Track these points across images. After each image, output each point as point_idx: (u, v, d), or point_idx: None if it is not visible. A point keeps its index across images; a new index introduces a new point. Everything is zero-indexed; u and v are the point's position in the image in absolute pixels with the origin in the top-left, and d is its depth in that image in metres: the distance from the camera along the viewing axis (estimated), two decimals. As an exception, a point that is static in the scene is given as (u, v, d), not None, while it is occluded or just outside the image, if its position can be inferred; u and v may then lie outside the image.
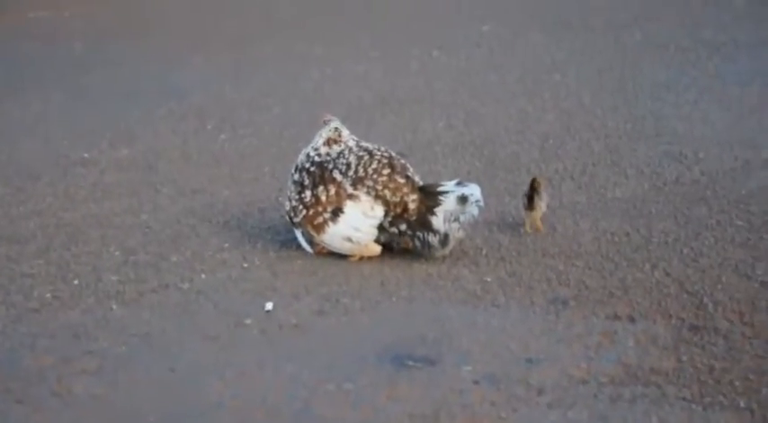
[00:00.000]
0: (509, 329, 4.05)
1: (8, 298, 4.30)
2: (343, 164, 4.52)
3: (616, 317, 4.12)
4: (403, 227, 4.50)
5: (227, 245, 4.81)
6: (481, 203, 4.51)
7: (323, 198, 4.49)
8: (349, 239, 4.50)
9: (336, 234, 4.50)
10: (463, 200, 4.47)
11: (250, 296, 4.35)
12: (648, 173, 5.60)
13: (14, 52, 8.19)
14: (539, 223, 4.89)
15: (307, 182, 4.55)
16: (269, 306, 4.25)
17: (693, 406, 3.52)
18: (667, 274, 4.44)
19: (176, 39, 8.71)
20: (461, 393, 3.64)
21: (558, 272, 4.50)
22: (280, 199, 5.30)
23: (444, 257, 4.59)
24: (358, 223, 4.47)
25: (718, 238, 4.76)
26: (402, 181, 4.49)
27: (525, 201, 4.85)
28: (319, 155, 4.58)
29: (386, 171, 4.50)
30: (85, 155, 5.90)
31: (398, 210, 4.48)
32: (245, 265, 4.62)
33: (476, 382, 3.70)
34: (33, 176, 5.58)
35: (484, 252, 4.72)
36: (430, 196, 4.51)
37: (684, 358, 3.80)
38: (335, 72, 7.49)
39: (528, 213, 4.87)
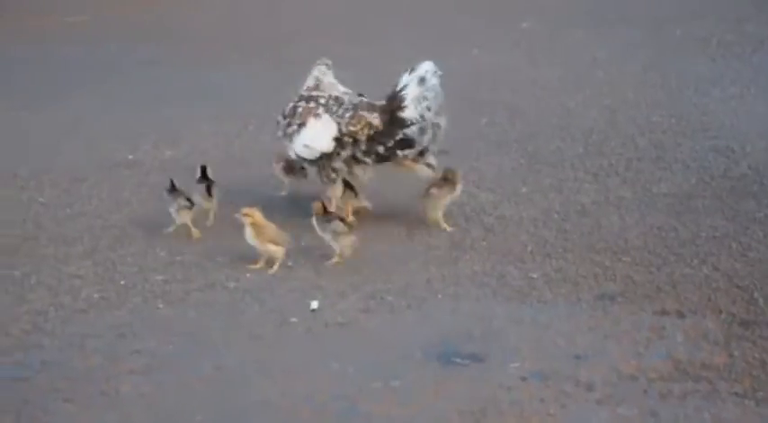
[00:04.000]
0: (556, 326, 4.02)
1: (56, 299, 4.32)
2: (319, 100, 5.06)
3: (664, 312, 4.07)
4: (380, 149, 4.93)
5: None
6: (439, 72, 4.92)
7: (297, 111, 5.04)
8: (307, 146, 4.95)
9: (299, 142, 4.98)
10: (422, 80, 4.93)
11: (295, 295, 4.35)
12: (695, 167, 5.54)
13: (54, 56, 8.24)
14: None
15: (289, 107, 5.12)
16: (314, 304, 4.25)
17: (746, 401, 3.48)
18: (716, 269, 4.39)
19: (213, 40, 8.73)
20: (509, 390, 3.61)
21: (605, 267, 4.47)
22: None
23: (488, 253, 4.56)
24: (315, 134, 4.96)
25: (766, 231, 4.70)
26: (362, 113, 4.96)
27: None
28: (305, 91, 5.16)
29: (349, 113, 4.98)
30: (130, 156, 5.93)
31: (364, 130, 4.93)
32: (290, 263, 4.62)
33: (523, 379, 3.68)
34: (79, 179, 5.61)
35: (529, 249, 4.69)
36: (391, 99, 4.95)
37: (736, 353, 3.76)
38: (374, 72, 7.47)
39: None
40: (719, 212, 4.95)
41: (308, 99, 5.09)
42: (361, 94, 5.10)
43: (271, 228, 4.59)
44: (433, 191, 4.92)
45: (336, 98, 5.07)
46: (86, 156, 5.94)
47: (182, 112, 6.68)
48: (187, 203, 4.83)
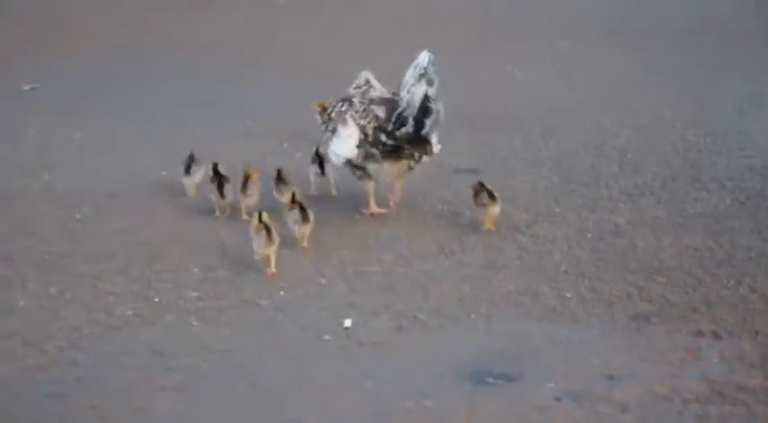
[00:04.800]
0: (590, 346, 4.00)
1: (91, 316, 4.35)
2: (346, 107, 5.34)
3: (700, 333, 4.05)
4: (383, 137, 5.17)
5: (304, 261, 4.82)
6: (433, 59, 5.12)
7: (332, 116, 5.38)
8: (336, 154, 5.30)
9: (331, 149, 5.32)
10: (416, 67, 5.14)
11: (329, 313, 4.35)
12: (731, 187, 5.51)
13: (94, 73, 8.31)
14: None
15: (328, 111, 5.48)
16: (347, 323, 4.26)
17: (782, 425, 3.44)
18: (752, 290, 4.36)
19: (248, 56, 8.77)
20: (543, 410, 3.60)
21: (640, 288, 4.44)
22: (356, 215, 5.32)
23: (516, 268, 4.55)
24: (341, 143, 5.27)
25: (804, 252, 4.66)
26: (372, 107, 5.24)
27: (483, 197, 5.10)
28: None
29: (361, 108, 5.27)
30: (164, 173, 5.96)
31: (371, 123, 5.21)
32: (323, 281, 4.63)
33: (557, 399, 3.66)
34: (114, 195, 5.65)
35: (563, 268, 4.67)
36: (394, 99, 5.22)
37: (772, 376, 3.72)
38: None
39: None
40: (755, 232, 4.92)
41: (344, 100, 5.37)
42: (394, 94, 5.27)
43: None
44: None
45: (366, 97, 5.32)
46: (122, 172, 5.98)
47: (216, 128, 6.71)
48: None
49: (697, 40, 8.74)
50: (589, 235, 5.00)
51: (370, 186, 5.34)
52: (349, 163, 5.28)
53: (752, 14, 9.60)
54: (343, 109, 5.31)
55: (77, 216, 5.39)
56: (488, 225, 5.09)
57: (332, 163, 5.42)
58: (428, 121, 5.15)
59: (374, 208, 5.37)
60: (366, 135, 5.21)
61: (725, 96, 7.11)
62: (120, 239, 5.09)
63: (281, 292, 4.53)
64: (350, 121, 5.25)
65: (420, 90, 5.13)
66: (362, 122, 5.23)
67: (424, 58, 5.16)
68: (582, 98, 7.30)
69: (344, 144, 5.24)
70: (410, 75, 5.17)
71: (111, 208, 5.49)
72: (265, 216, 4.74)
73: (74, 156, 6.29)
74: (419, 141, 5.17)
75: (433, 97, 5.13)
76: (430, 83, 5.13)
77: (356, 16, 10.15)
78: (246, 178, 5.31)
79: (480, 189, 5.10)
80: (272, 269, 4.71)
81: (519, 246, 4.93)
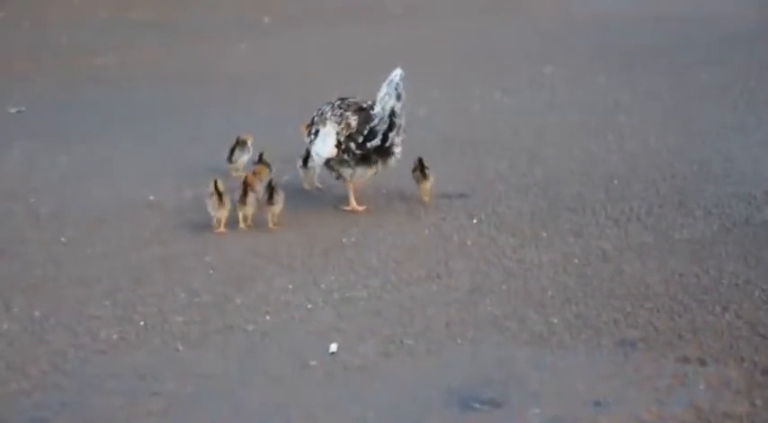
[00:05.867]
0: (576, 372, 3.99)
1: (76, 340, 4.33)
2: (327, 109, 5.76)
3: (686, 360, 4.04)
4: (353, 145, 5.55)
5: (291, 286, 4.81)
6: (403, 75, 5.51)
7: (314, 120, 5.79)
8: (317, 154, 5.65)
9: (313, 150, 5.71)
10: (390, 83, 5.53)
11: (315, 338, 4.34)
12: (717, 214, 5.52)
13: (82, 97, 8.31)
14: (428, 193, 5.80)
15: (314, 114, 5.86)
16: (333, 347, 4.24)
17: (769, 451, 3.44)
18: (738, 317, 4.36)
19: (240, 83, 8.79)
20: (529, 437, 3.58)
21: (626, 313, 4.44)
22: (343, 239, 5.31)
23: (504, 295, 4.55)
24: (321, 144, 5.64)
25: (789, 279, 4.67)
26: (347, 113, 5.61)
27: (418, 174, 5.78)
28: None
29: (338, 112, 5.65)
30: (151, 197, 5.95)
31: (344, 131, 5.57)
32: (310, 306, 4.62)
33: (544, 426, 3.65)
34: (100, 219, 5.63)
35: (549, 293, 4.67)
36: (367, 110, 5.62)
37: (758, 402, 3.72)
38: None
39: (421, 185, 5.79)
40: (742, 259, 4.93)
41: (327, 103, 5.77)
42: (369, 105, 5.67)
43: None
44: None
45: (345, 103, 5.70)
46: (109, 196, 5.97)
47: (204, 153, 6.70)
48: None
49: (683, 67, 8.78)
50: (576, 260, 5.01)
51: (349, 185, 5.72)
52: (328, 163, 5.65)
53: (738, 42, 9.66)
54: (325, 111, 5.71)
55: (62, 239, 5.37)
56: (423, 198, 5.81)
57: (315, 163, 5.76)
58: (391, 135, 5.57)
59: (354, 205, 5.73)
60: (339, 142, 5.56)
61: (711, 123, 7.14)
62: (106, 263, 5.07)
63: (267, 317, 4.52)
64: (329, 123, 5.61)
65: (389, 105, 5.52)
66: (337, 128, 5.58)
67: (396, 74, 5.54)
68: (569, 124, 7.32)
69: (324, 144, 5.59)
70: (384, 91, 5.55)
71: (97, 232, 5.47)
72: (220, 183, 5.36)
73: (59, 179, 6.28)
74: (384, 151, 5.60)
75: (398, 113, 5.56)
76: (398, 98, 5.54)
77: (345, 40, 10.18)
78: (246, 187, 5.46)
79: (418, 166, 5.80)
80: (222, 229, 5.36)
81: (505, 270, 4.93)
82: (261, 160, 5.93)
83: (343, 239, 5.33)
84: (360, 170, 5.64)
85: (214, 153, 6.47)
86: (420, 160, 5.80)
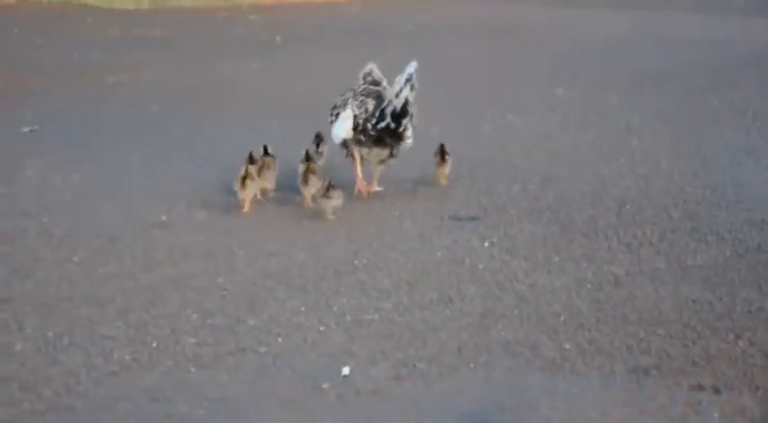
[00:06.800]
0: (589, 398, 3.98)
1: (89, 360, 4.33)
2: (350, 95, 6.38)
3: (700, 387, 4.03)
4: (369, 126, 6.13)
5: (303, 308, 4.81)
6: (416, 67, 6.13)
7: (336, 103, 6.44)
8: (336, 136, 6.29)
9: (332, 132, 6.36)
10: (403, 72, 6.13)
11: (327, 360, 4.33)
12: (729, 239, 5.51)
13: (94, 116, 8.35)
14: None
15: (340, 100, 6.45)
16: (346, 371, 4.23)
17: (783, 481, 3.42)
18: (752, 344, 4.35)
19: (252, 102, 8.82)
20: (542, 464, 3.57)
21: (639, 340, 4.43)
22: (355, 261, 5.31)
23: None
24: (339, 126, 6.27)
25: (803, 306, 4.66)
26: (366, 99, 6.22)
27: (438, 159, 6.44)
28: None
29: (359, 99, 6.27)
30: (163, 217, 5.96)
31: (362, 114, 6.16)
32: (322, 328, 4.62)
33: (557, 453, 3.64)
34: (113, 239, 5.64)
35: (562, 319, 4.66)
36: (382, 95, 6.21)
37: (772, 431, 3.70)
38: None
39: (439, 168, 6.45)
40: (755, 286, 4.92)
41: (349, 90, 6.35)
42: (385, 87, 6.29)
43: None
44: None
45: (366, 91, 6.28)
46: (121, 216, 5.98)
47: (217, 172, 6.72)
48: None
49: (694, 90, 8.79)
50: (588, 285, 5.00)
51: (356, 165, 6.31)
52: (344, 144, 6.26)
53: (749, 65, 9.67)
54: (347, 97, 6.30)
55: (75, 259, 5.38)
56: (440, 180, 6.50)
57: (333, 143, 6.38)
58: (404, 121, 6.14)
59: (361, 184, 6.33)
60: (357, 124, 6.15)
61: (723, 148, 7.14)
62: (119, 283, 5.07)
63: (279, 339, 4.52)
64: (349, 107, 6.21)
65: (404, 94, 6.11)
66: (357, 111, 6.17)
67: (411, 66, 6.14)
68: (580, 146, 7.32)
69: (343, 125, 6.21)
70: (399, 80, 6.14)
71: (110, 251, 5.48)
72: (252, 168, 6.02)
73: (72, 198, 6.29)
74: (396, 135, 6.16)
75: (411, 102, 6.15)
76: (412, 88, 6.13)
77: (356, 60, 10.20)
78: (306, 170, 6.11)
79: (439, 150, 6.48)
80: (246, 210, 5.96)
81: (518, 295, 4.93)
82: (266, 152, 6.36)
83: (355, 261, 5.33)
84: (376, 150, 6.22)
85: (226, 172, 6.49)
86: (442, 146, 6.45)
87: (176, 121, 8.14)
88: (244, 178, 5.95)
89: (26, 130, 7.81)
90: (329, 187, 5.87)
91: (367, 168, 6.41)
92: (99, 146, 7.40)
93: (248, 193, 6.00)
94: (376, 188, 6.39)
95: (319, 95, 8.84)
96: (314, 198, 6.03)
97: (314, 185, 6.04)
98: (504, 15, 14.83)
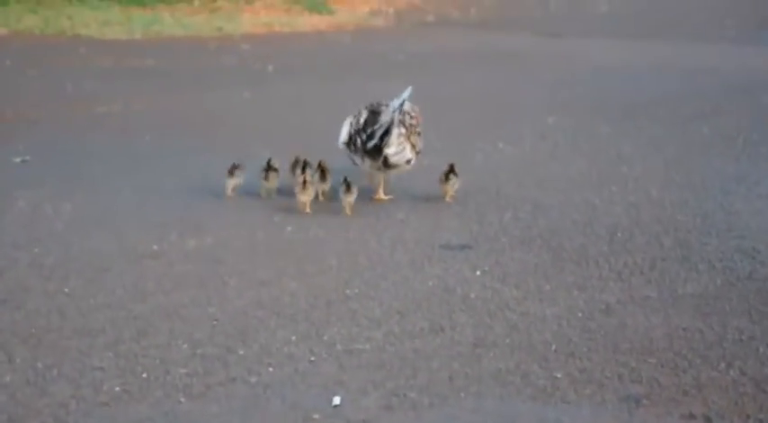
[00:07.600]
0: (581, 428, 3.97)
1: (78, 391, 4.31)
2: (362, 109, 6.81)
3: (691, 416, 4.02)
4: (358, 141, 6.59)
5: (294, 338, 4.80)
6: (411, 93, 6.65)
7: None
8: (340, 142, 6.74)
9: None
10: (399, 97, 6.59)
11: (318, 390, 4.32)
12: (720, 268, 5.52)
13: (86, 146, 8.35)
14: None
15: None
16: (336, 400, 4.22)
17: None
18: (743, 373, 4.35)
19: (243, 131, 8.83)
20: (533, 494, 3.56)
21: (630, 368, 4.43)
22: (347, 291, 5.31)
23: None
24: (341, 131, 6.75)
25: (794, 335, 4.66)
26: (364, 111, 6.70)
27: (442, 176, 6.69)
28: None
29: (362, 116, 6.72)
30: (155, 247, 5.95)
31: (354, 125, 6.65)
32: (313, 358, 4.61)
33: (548, 483, 3.62)
34: (103, 269, 5.63)
35: (553, 347, 4.66)
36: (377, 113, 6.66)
37: (764, 460, 3.70)
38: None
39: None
40: (746, 315, 4.92)
41: (368, 104, 6.78)
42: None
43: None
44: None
45: (372, 105, 6.71)
46: (113, 246, 5.97)
47: (208, 202, 6.72)
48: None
49: (685, 118, 8.82)
50: (579, 314, 5.00)
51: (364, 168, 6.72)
52: (345, 149, 6.69)
53: (740, 93, 9.71)
54: (361, 109, 6.72)
55: (66, 290, 5.36)
56: (445, 198, 6.77)
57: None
58: (386, 138, 6.53)
59: (380, 194, 6.76)
60: (350, 136, 6.61)
61: (713, 176, 7.16)
62: (109, 314, 5.06)
63: (270, 369, 4.50)
64: (349, 117, 6.69)
65: (394, 117, 6.52)
66: (352, 121, 6.65)
67: (407, 91, 6.61)
68: (571, 174, 7.34)
69: (343, 131, 6.68)
70: (393, 103, 6.57)
71: (101, 282, 5.46)
72: (308, 173, 6.50)
73: (64, 228, 6.28)
74: (377, 151, 6.54)
75: (397, 122, 6.53)
76: (400, 111, 6.55)
77: (348, 89, 10.23)
78: (320, 168, 6.62)
79: (448, 169, 6.75)
80: (308, 210, 6.49)
81: (509, 324, 4.92)
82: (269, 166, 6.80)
83: (347, 291, 5.32)
84: (368, 161, 6.61)
85: (218, 201, 6.49)
86: (451, 165, 6.73)
87: (168, 150, 8.15)
88: (304, 182, 6.46)
89: (17, 160, 7.81)
90: (347, 184, 6.38)
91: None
92: (91, 176, 7.40)
93: (308, 196, 6.52)
94: (382, 197, 6.74)
95: (311, 124, 8.88)
96: (310, 205, 6.50)
97: (309, 194, 6.49)
98: (496, 45, 14.90)
